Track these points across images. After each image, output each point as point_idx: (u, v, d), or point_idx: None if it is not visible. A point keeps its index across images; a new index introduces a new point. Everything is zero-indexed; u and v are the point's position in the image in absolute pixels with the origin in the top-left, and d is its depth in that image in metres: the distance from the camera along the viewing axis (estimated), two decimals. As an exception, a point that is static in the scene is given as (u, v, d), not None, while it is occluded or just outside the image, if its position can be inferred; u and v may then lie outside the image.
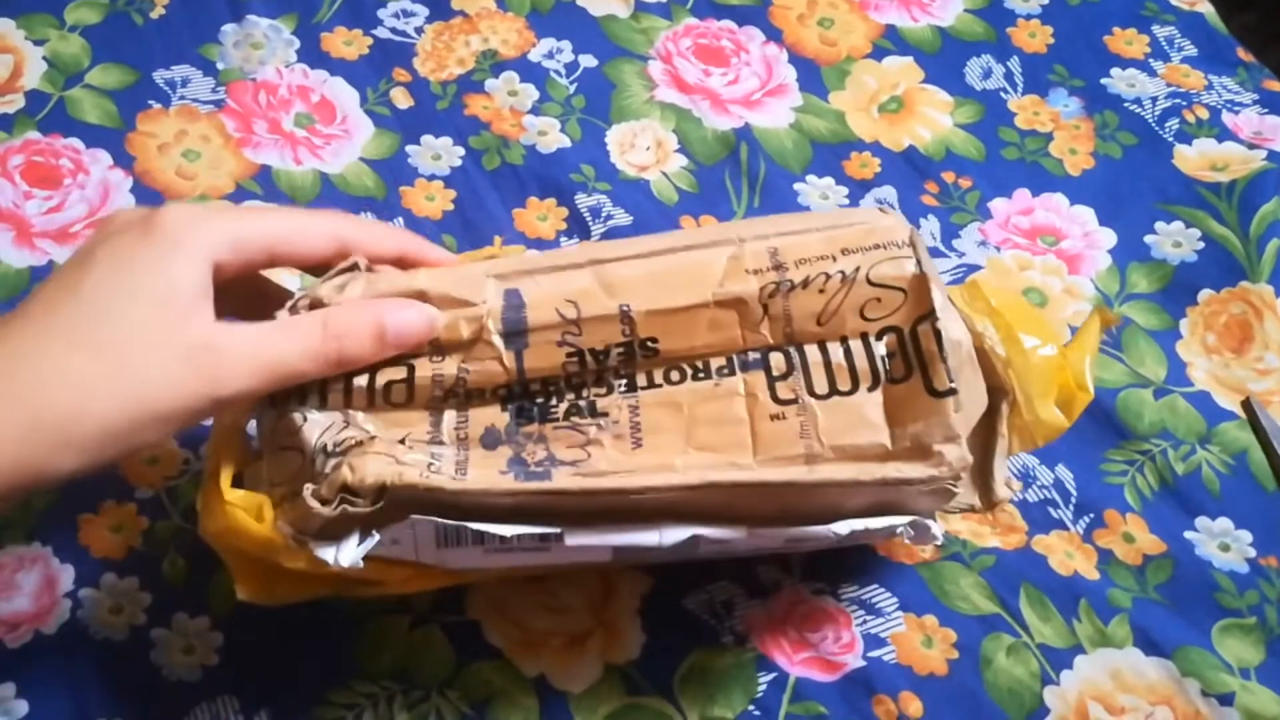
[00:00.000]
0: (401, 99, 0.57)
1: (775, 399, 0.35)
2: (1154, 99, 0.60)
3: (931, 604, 0.45)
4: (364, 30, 0.59)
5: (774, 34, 0.62)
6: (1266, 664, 0.44)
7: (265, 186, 0.54)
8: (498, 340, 0.35)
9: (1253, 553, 0.47)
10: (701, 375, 0.36)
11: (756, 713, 0.42)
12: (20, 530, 0.44)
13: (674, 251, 0.37)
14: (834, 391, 0.35)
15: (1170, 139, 0.59)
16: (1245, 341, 0.52)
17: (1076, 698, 0.43)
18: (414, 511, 0.34)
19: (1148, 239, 0.55)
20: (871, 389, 0.35)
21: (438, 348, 0.36)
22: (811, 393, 0.35)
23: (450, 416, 0.36)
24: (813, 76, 0.60)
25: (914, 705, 0.43)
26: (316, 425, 0.35)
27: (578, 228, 0.54)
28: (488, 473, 0.35)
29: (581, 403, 0.36)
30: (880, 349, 0.36)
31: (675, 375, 0.36)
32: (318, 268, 0.37)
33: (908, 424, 0.35)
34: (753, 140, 0.57)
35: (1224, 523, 0.47)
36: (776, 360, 0.36)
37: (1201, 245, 0.54)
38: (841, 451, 0.35)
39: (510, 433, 0.36)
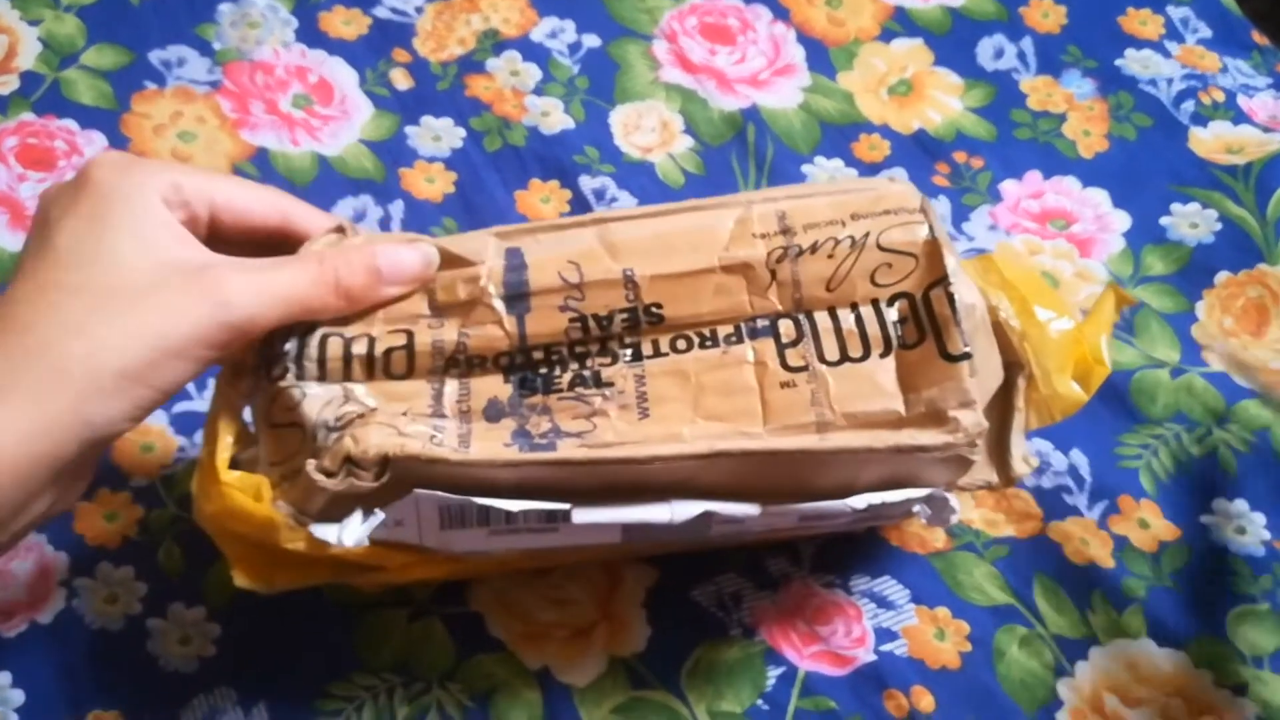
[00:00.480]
0: (401, 80, 0.56)
1: (785, 366, 0.35)
2: (1169, 80, 0.59)
3: (944, 595, 0.44)
4: (363, 10, 0.58)
5: (781, 13, 0.61)
6: (1281, 652, 0.44)
7: (262, 168, 0.53)
8: (498, 304, 0.35)
9: (1268, 535, 0.46)
10: (709, 343, 0.35)
11: (765, 707, 0.42)
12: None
13: (681, 213, 0.36)
14: (845, 358, 0.35)
15: (1186, 121, 0.58)
16: (1263, 325, 0.51)
17: (1091, 690, 0.42)
18: (417, 486, 0.33)
19: (1163, 221, 0.54)
20: (884, 355, 0.35)
21: (436, 310, 0.35)
22: (822, 359, 0.35)
23: (452, 388, 0.35)
24: (821, 57, 0.59)
25: (926, 699, 0.42)
26: (316, 399, 0.34)
27: (581, 210, 0.53)
28: (491, 445, 0.34)
29: (586, 373, 0.35)
30: (892, 315, 0.35)
31: (681, 343, 0.35)
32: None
33: (922, 390, 0.34)
34: (760, 121, 0.56)
35: (1240, 505, 0.47)
36: (786, 327, 0.35)
37: (1219, 226, 0.53)
38: (854, 419, 0.34)
39: (513, 404, 0.35)
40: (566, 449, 0.34)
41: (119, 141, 0.52)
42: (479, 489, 0.33)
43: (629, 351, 0.35)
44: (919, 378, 0.34)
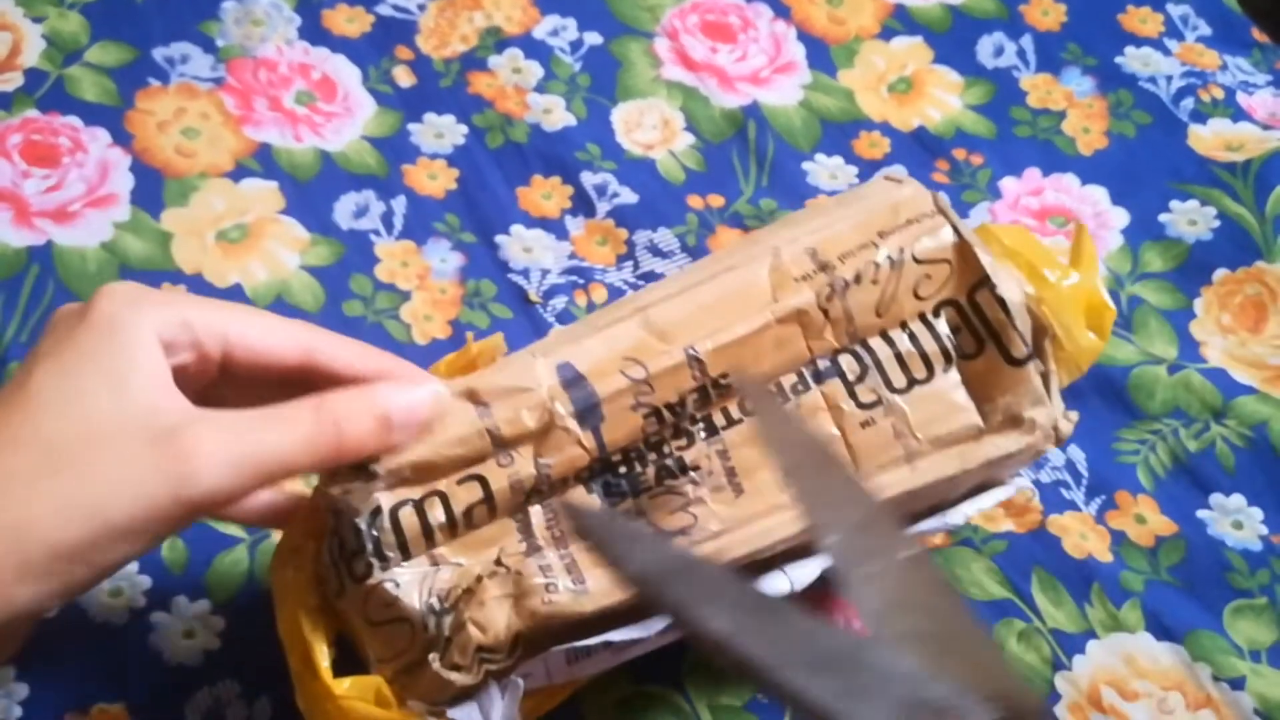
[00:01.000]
0: (404, 77, 0.57)
1: (859, 405, 0.34)
2: (1169, 78, 0.59)
3: (942, 588, 0.44)
4: (366, 7, 0.59)
5: (782, 11, 0.61)
6: (1278, 645, 0.44)
7: (265, 164, 0.53)
8: (572, 423, 0.32)
9: (1265, 530, 0.46)
10: (778, 399, 0.34)
11: (765, 701, 0.42)
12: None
13: (713, 278, 0.34)
14: (913, 382, 0.34)
15: (1185, 119, 0.58)
16: (1261, 322, 0.51)
17: (1089, 683, 0.43)
18: (550, 643, 0.31)
19: (1162, 217, 0.54)
20: (946, 370, 0.34)
21: (503, 445, 0.32)
22: (891, 389, 0.34)
23: (538, 514, 0.33)
24: (821, 54, 0.59)
25: (924, 690, 0.42)
26: (412, 586, 0.32)
27: (583, 206, 0.53)
28: (603, 571, 0.32)
29: (668, 461, 0.33)
30: (943, 326, 0.35)
31: (750, 405, 0.34)
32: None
33: (996, 398, 0.34)
34: (761, 118, 0.56)
35: (1237, 499, 0.47)
36: (848, 363, 0.34)
37: (1217, 223, 0.54)
38: (939, 442, 0.34)
39: None
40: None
41: (123, 138, 0.53)
42: (605, 623, 0.32)
43: (702, 427, 0.34)
44: (990, 387, 0.34)
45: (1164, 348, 0.50)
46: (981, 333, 0.34)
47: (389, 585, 0.32)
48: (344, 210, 0.52)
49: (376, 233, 0.52)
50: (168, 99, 0.54)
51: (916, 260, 0.34)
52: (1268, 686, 0.43)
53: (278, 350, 0.31)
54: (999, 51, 0.60)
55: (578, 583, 0.32)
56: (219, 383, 0.31)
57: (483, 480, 0.32)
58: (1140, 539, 0.46)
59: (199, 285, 0.49)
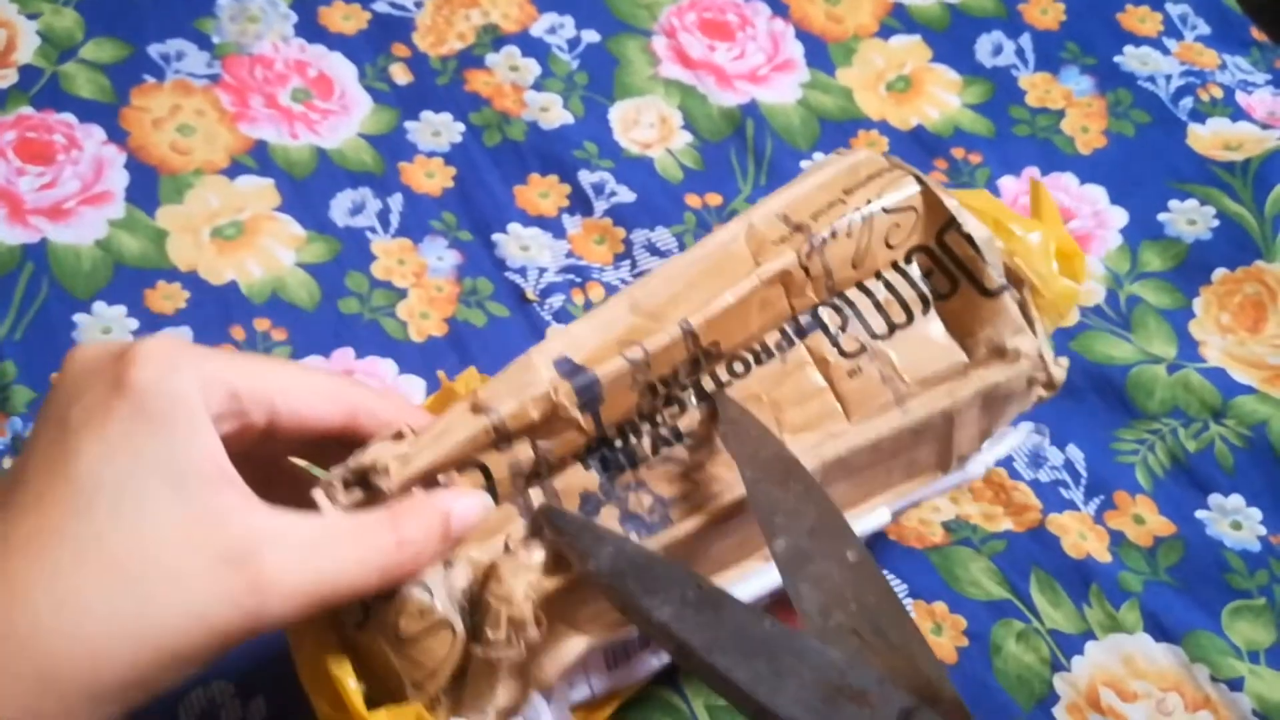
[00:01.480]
0: (401, 74, 0.56)
1: (844, 354, 0.35)
2: (1168, 77, 0.59)
3: (941, 590, 0.44)
4: (362, 4, 0.58)
5: (780, 9, 0.61)
6: (1276, 646, 0.43)
7: (261, 161, 0.53)
8: (574, 411, 0.32)
9: (1264, 530, 0.46)
10: (764, 356, 0.34)
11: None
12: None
13: (689, 253, 0.35)
14: (893, 327, 0.35)
15: (1184, 118, 0.58)
16: (1260, 321, 0.51)
17: (1087, 684, 0.42)
18: (577, 608, 0.31)
19: (1161, 217, 0.54)
20: (925, 312, 0.35)
21: (504, 435, 0.32)
22: (874, 336, 0.35)
23: (538, 497, 0.33)
24: (820, 53, 0.59)
25: (922, 691, 0.42)
26: (439, 589, 0.31)
27: (580, 205, 0.53)
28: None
29: (663, 430, 0.34)
30: (915, 271, 0.35)
31: (739, 366, 0.34)
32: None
33: (977, 332, 0.35)
34: (759, 117, 0.56)
35: (1236, 500, 0.47)
36: (829, 316, 0.35)
37: (1216, 223, 0.53)
38: (926, 382, 0.34)
39: (606, 490, 0.33)
40: (678, 517, 0.33)
41: (118, 135, 0.52)
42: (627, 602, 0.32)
43: (693, 394, 0.34)
44: (970, 321, 0.35)
45: (1163, 347, 0.50)
46: (954, 271, 0.35)
47: (419, 593, 0.31)
48: (340, 208, 0.52)
49: (373, 230, 0.51)
50: (163, 96, 0.54)
51: (885, 210, 0.35)
52: (1266, 687, 0.42)
53: (323, 412, 0.30)
54: (998, 50, 0.60)
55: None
56: (260, 441, 0.30)
57: (483, 468, 0.32)
58: (1139, 539, 0.46)
59: (194, 283, 0.49)
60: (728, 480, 0.33)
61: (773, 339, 0.35)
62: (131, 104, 0.54)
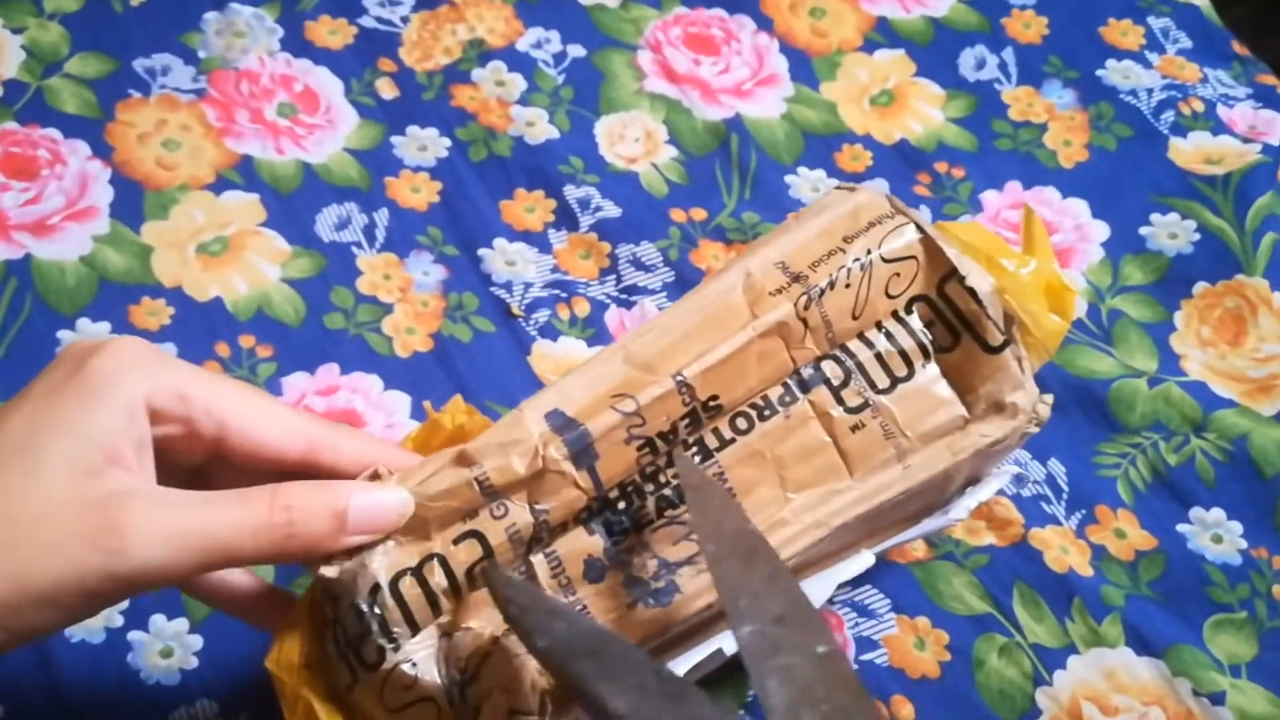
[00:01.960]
0: (387, 89, 0.56)
1: (847, 409, 0.34)
2: (1149, 91, 0.59)
3: (924, 605, 0.44)
4: (349, 19, 0.59)
5: (765, 23, 0.61)
6: (1258, 659, 0.44)
7: (246, 176, 0.53)
8: (567, 465, 0.31)
9: (1245, 544, 0.46)
10: (767, 413, 0.34)
11: (745, 716, 0.42)
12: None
13: (686, 303, 0.34)
14: (895, 381, 0.34)
15: (1165, 131, 0.58)
16: (1240, 335, 0.51)
17: (1070, 698, 0.43)
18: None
19: (1143, 231, 0.55)
20: (926, 364, 0.35)
21: (494, 495, 0.31)
22: (876, 390, 0.34)
23: (541, 564, 0.32)
24: (804, 67, 0.59)
25: (906, 709, 0.42)
26: (429, 661, 0.30)
27: (566, 220, 0.53)
28: (618, 615, 0.32)
29: (666, 491, 0.33)
30: (916, 322, 0.35)
31: (742, 423, 0.33)
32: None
33: (978, 387, 0.34)
34: (744, 131, 0.56)
35: (1217, 513, 0.47)
36: (831, 369, 0.34)
37: (1197, 237, 0.54)
38: (927, 437, 0.34)
39: (610, 555, 0.32)
40: (686, 581, 0.32)
41: (103, 150, 0.52)
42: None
43: (696, 452, 0.33)
44: (970, 376, 0.34)
45: (1144, 361, 0.51)
46: (955, 324, 0.35)
47: (406, 667, 0.30)
48: (326, 222, 0.52)
49: (358, 245, 0.52)
50: (148, 111, 0.54)
51: (885, 260, 0.35)
52: (1248, 701, 0.43)
53: (278, 441, 0.30)
54: (981, 64, 0.60)
55: None
56: (211, 463, 0.30)
57: (479, 536, 0.31)
58: (1120, 553, 0.46)
59: (179, 299, 0.49)
60: None
61: (775, 393, 0.34)
62: (117, 119, 0.54)
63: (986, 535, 0.46)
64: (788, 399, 0.34)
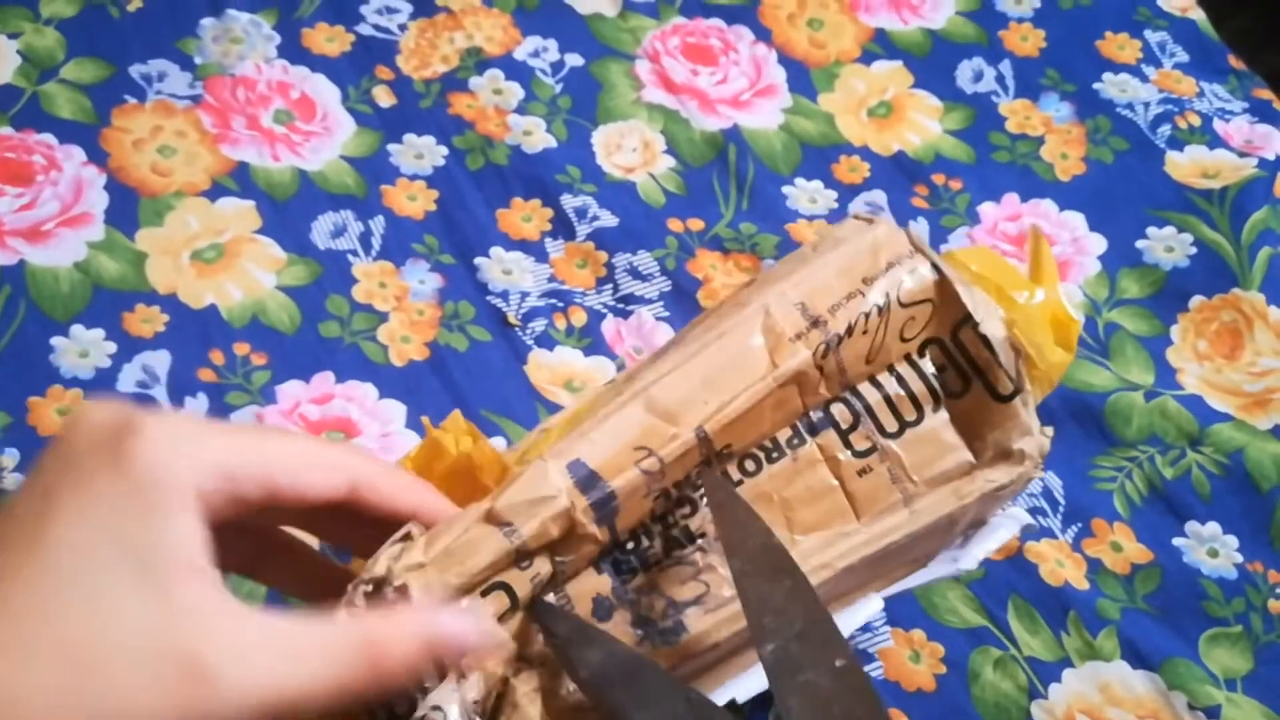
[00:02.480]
0: (384, 97, 0.56)
1: (855, 453, 0.34)
2: (1146, 104, 0.60)
3: (919, 618, 0.44)
4: (346, 26, 0.58)
5: (763, 34, 0.61)
6: (1253, 673, 0.44)
7: (242, 183, 0.52)
8: (592, 527, 0.31)
9: (1240, 558, 0.46)
10: (775, 455, 0.34)
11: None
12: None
13: (708, 348, 0.34)
14: (904, 425, 0.34)
15: (1162, 145, 0.58)
16: (1236, 349, 0.51)
17: (1065, 712, 0.42)
18: None
19: (1139, 244, 0.55)
20: (935, 410, 0.35)
21: (525, 554, 0.31)
22: (884, 434, 0.34)
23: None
24: (802, 78, 0.60)
25: (901, 720, 0.42)
26: (452, 706, 0.30)
27: (563, 229, 0.53)
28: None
29: (674, 531, 0.33)
30: (928, 366, 0.35)
31: (750, 464, 0.34)
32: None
33: (986, 435, 0.34)
34: (741, 142, 0.56)
35: (1213, 527, 0.47)
36: (840, 412, 0.34)
37: (1194, 250, 0.54)
38: (933, 482, 0.34)
39: (619, 594, 0.32)
40: (693, 621, 0.32)
41: (98, 156, 0.52)
42: None
43: (702, 493, 0.33)
44: (980, 424, 0.34)
45: (1140, 374, 0.51)
46: (967, 370, 0.34)
47: (433, 713, 0.30)
48: (321, 230, 0.52)
49: (354, 253, 0.51)
50: (144, 117, 0.54)
51: (902, 304, 0.34)
52: (1243, 716, 0.43)
53: (323, 484, 0.29)
54: (978, 77, 0.60)
55: None
56: (257, 513, 0.29)
57: (507, 588, 0.31)
58: (1116, 566, 0.46)
59: (173, 306, 0.49)
60: None
61: (784, 435, 0.34)
62: (112, 125, 0.53)
63: (982, 548, 0.46)
64: (795, 441, 0.34)
